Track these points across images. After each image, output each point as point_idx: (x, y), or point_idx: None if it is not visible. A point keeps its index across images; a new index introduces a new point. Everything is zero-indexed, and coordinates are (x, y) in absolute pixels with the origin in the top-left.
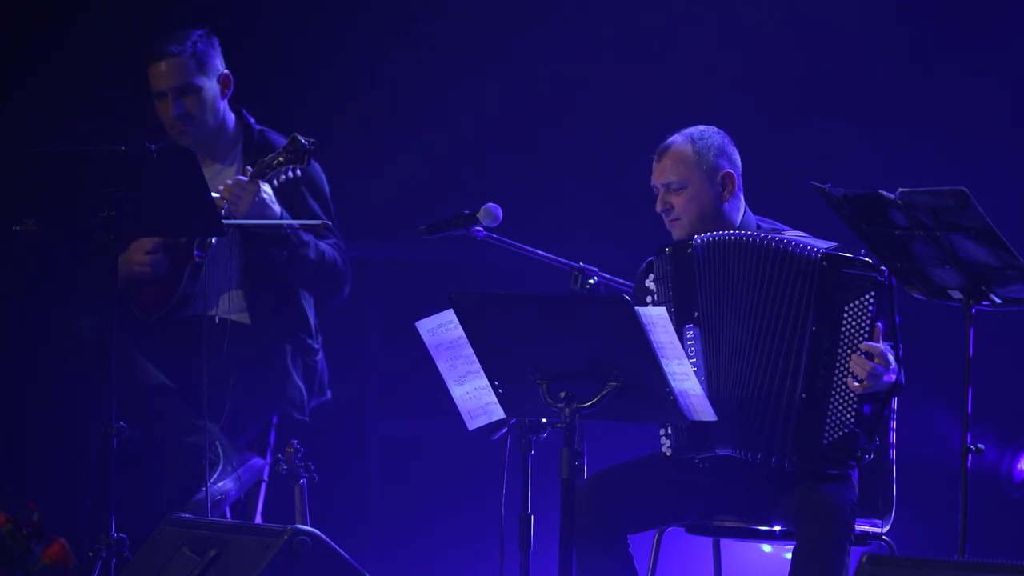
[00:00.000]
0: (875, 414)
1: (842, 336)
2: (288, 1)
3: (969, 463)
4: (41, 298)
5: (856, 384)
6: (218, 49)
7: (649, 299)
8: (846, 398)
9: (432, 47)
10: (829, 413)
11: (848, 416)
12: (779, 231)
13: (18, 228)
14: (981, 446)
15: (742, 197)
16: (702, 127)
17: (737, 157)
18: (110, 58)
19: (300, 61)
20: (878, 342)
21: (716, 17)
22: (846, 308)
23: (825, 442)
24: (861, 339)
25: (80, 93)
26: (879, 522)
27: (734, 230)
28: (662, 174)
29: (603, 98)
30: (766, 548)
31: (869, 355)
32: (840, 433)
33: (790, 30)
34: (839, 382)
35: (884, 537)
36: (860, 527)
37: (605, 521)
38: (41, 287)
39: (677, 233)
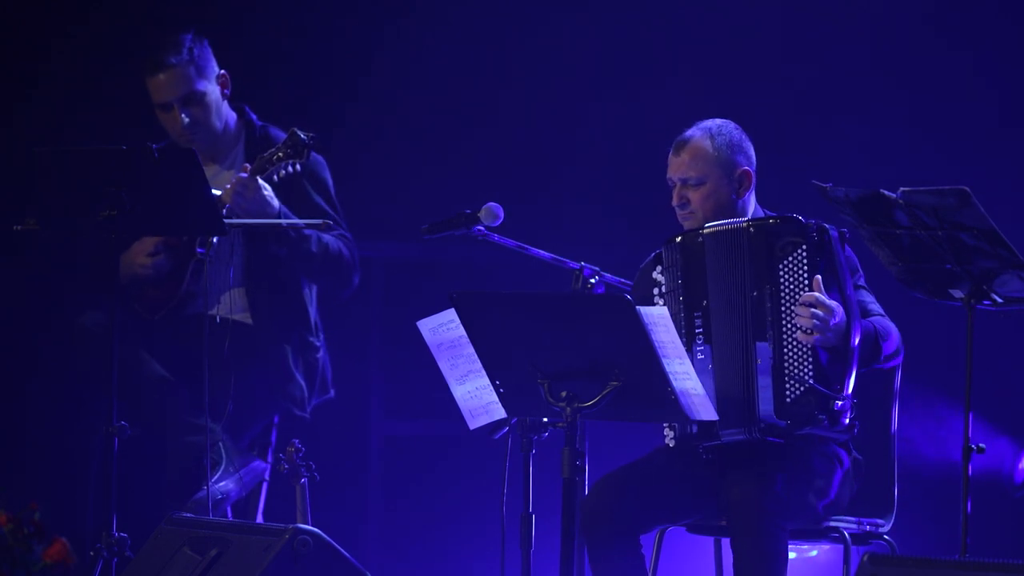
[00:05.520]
0: (837, 365)
1: (782, 294)
2: (291, 0)
3: (970, 463)
4: (42, 297)
5: (804, 336)
6: (210, 49)
7: (656, 290)
8: (800, 353)
9: (433, 47)
10: (786, 369)
11: (805, 370)
12: None
13: (19, 227)
14: (983, 445)
15: (754, 191)
16: (719, 121)
17: (753, 152)
18: (112, 58)
19: (302, 60)
20: (820, 293)
21: (716, 17)
22: (780, 267)
23: (788, 399)
24: (802, 293)
25: (82, 93)
26: (880, 521)
27: None
28: (679, 168)
29: (604, 98)
30: None
31: (810, 305)
32: (801, 388)
33: (789, 28)
34: (789, 339)
35: (885, 536)
36: (862, 527)
37: (619, 522)
38: (42, 286)
39: (689, 226)
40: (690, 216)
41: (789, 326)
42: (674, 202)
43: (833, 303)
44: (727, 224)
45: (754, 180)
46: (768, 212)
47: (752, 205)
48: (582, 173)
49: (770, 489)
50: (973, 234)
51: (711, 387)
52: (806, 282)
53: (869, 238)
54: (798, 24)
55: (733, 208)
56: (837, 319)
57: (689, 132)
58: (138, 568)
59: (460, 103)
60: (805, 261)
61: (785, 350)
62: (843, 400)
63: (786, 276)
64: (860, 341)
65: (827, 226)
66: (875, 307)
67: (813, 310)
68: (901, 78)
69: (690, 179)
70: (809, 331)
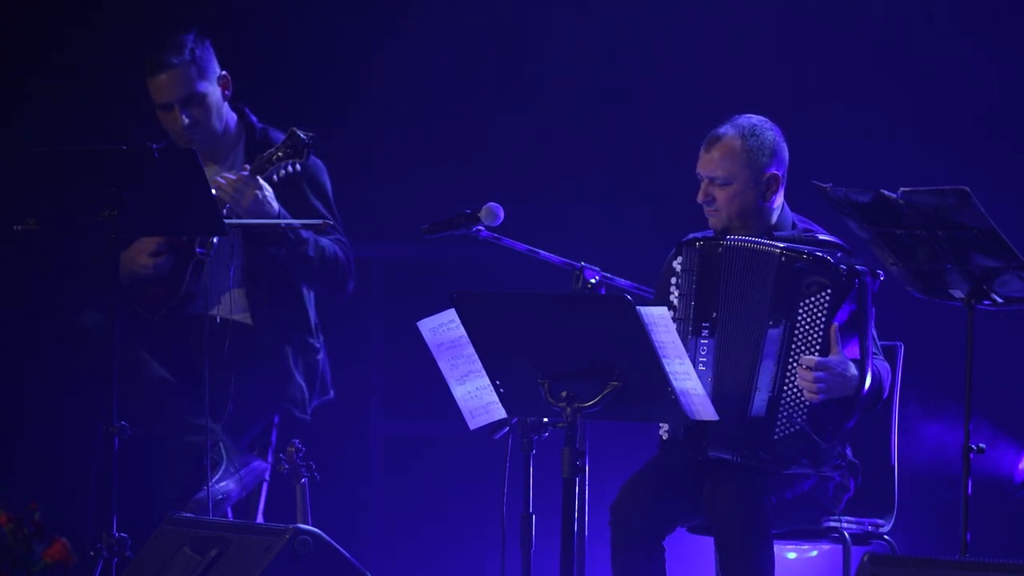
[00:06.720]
0: (836, 417)
1: (796, 332)
2: (291, 0)
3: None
4: (42, 297)
5: (807, 393)
6: (212, 50)
7: (674, 280)
8: (799, 395)
9: (433, 47)
10: (781, 408)
11: (799, 413)
12: (812, 232)
13: (19, 227)
14: (983, 445)
15: (783, 193)
16: (756, 120)
17: (786, 154)
18: (112, 57)
19: (302, 60)
20: (834, 344)
21: (716, 17)
22: (802, 304)
23: (775, 437)
24: (817, 336)
25: (82, 92)
26: (880, 521)
27: (768, 229)
28: (708, 166)
29: (603, 98)
30: None
31: (812, 368)
32: (791, 430)
33: (789, 28)
34: (791, 378)
35: (886, 537)
36: (862, 526)
37: (647, 528)
38: (42, 286)
39: (713, 223)
40: (715, 214)
41: (794, 366)
42: (700, 198)
43: (837, 362)
44: (756, 243)
45: (783, 184)
46: (796, 216)
47: (779, 208)
48: (582, 173)
49: (755, 492)
50: (973, 234)
51: (710, 396)
52: (823, 326)
53: (870, 238)
54: (798, 24)
55: (759, 211)
56: (839, 378)
57: (723, 128)
58: (138, 568)
59: (460, 103)
60: (827, 304)
61: (785, 387)
62: (833, 447)
63: (804, 315)
64: (867, 394)
65: (860, 268)
66: (873, 347)
67: (816, 373)
68: (901, 78)
69: (717, 178)
70: (812, 392)
